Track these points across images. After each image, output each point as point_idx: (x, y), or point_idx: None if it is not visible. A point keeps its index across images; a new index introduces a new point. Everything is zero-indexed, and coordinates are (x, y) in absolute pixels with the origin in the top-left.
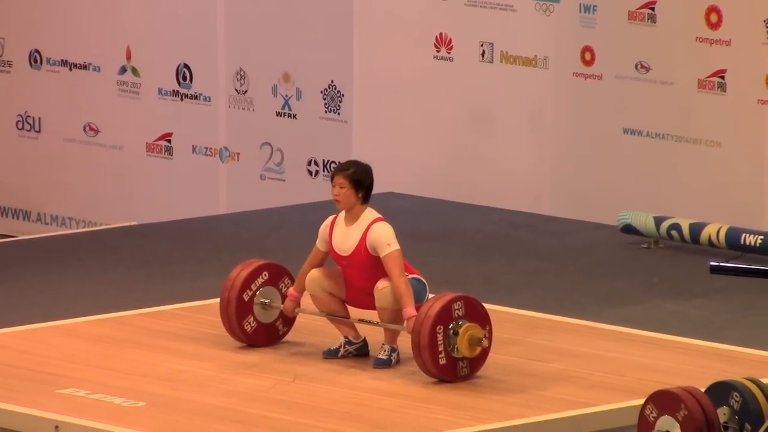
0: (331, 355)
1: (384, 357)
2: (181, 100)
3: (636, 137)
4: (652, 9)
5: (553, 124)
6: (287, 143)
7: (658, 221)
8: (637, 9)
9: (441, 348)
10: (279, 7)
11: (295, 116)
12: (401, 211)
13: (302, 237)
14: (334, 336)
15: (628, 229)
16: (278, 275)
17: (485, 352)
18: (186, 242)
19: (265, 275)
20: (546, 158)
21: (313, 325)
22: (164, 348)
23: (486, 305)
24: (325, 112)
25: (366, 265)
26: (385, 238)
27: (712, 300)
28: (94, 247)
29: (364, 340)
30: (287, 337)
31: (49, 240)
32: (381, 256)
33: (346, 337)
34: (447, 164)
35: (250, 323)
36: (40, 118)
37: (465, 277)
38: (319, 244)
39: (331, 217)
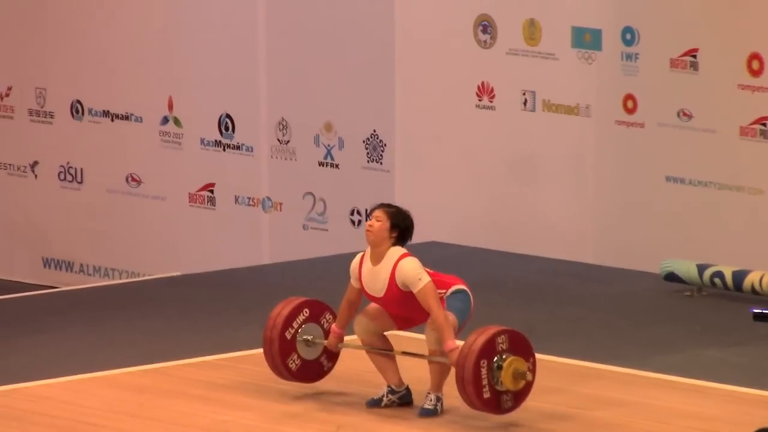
0: (374, 404)
1: (430, 407)
2: (224, 150)
3: (678, 185)
4: (694, 56)
5: (595, 172)
6: (330, 193)
7: (701, 269)
8: (679, 57)
9: (485, 382)
10: (321, 57)
11: (337, 166)
12: (443, 260)
13: (345, 287)
14: (377, 385)
15: (671, 276)
16: (319, 311)
17: (529, 385)
18: (229, 292)
19: (306, 312)
20: (588, 206)
21: (356, 375)
22: (207, 398)
23: None
24: (368, 161)
25: (401, 300)
26: (414, 273)
27: (755, 347)
28: (137, 297)
29: (407, 388)
30: (330, 387)
31: (92, 291)
32: (414, 292)
33: (389, 386)
34: (489, 213)
35: (294, 361)
36: (82, 169)
37: (508, 325)
38: (353, 281)
39: (359, 255)
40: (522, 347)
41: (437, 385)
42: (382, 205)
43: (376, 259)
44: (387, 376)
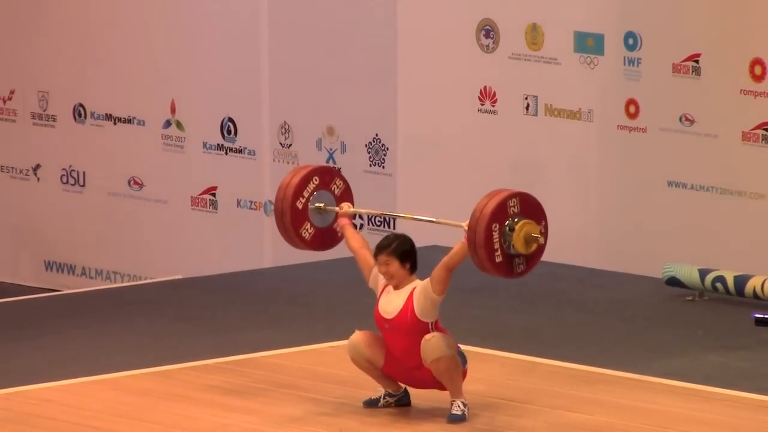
0: (371, 404)
1: (459, 413)
2: (226, 153)
3: (680, 190)
4: (697, 62)
5: (597, 176)
6: None
7: (703, 273)
8: (682, 62)
9: (497, 246)
10: (323, 60)
11: (339, 170)
12: None
13: (347, 291)
14: (378, 388)
15: (673, 281)
16: (329, 177)
17: (541, 249)
18: (231, 296)
19: (316, 180)
20: (590, 211)
21: (357, 379)
22: (209, 402)
23: (531, 358)
24: (370, 165)
25: (409, 329)
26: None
27: (757, 352)
28: (139, 300)
29: (405, 390)
30: (332, 390)
31: (94, 294)
32: (430, 278)
33: (386, 390)
34: None
35: (307, 230)
36: (84, 172)
37: (510, 330)
38: (371, 281)
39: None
40: (534, 210)
41: (456, 392)
42: (380, 249)
43: (399, 288)
44: (384, 384)
